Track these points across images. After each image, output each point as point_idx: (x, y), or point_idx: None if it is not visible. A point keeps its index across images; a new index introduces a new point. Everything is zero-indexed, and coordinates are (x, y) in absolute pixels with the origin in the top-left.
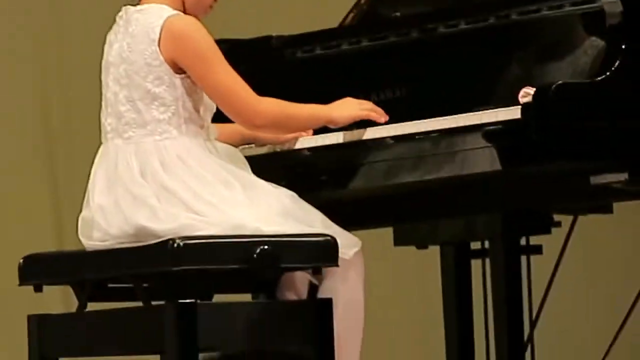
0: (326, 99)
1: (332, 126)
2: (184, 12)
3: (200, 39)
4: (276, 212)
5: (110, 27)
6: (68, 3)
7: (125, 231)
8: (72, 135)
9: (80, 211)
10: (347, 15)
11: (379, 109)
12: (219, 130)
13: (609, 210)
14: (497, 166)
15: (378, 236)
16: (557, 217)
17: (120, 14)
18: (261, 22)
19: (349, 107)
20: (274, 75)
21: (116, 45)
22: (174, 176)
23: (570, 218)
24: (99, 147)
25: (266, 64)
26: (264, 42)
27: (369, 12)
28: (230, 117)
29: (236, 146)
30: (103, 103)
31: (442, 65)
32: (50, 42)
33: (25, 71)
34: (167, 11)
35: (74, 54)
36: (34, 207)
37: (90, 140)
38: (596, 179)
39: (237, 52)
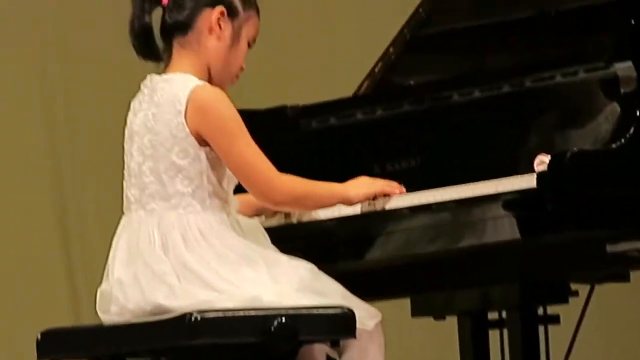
0: (342, 169)
1: (347, 205)
2: (210, 81)
3: (225, 111)
4: (296, 288)
5: (135, 95)
6: (76, 56)
7: (142, 307)
8: (86, 205)
9: (95, 281)
10: (361, 84)
11: (394, 183)
12: (243, 202)
13: (626, 278)
14: (514, 236)
15: (395, 307)
16: (574, 286)
17: (145, 82)
18: (275, 92)
19: (363, 185)
20: (290, 146)
21: (141, 114)
22: (195, 253)
23: (587, 287)
24: (119, 217)
25: (281, 134)
26: (278, 113)
27: (383, 81)
28: (250, 192)
29: (248, 216)
30: (126, 173)
31: (457, 133)
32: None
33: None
34: (193, 81)
35: (82, 113)
36: (49, 279)
37: (104, 210)
38: (613, 247)
39: (252, 122)
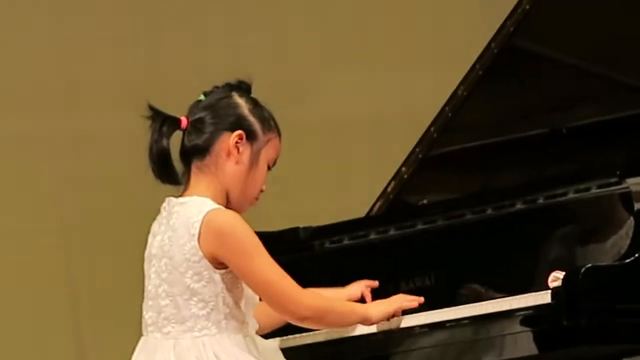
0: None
1: (367, 324)
2: (228, 204)
3: (241, 233)
4: None
5: (155, 218)
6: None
7: None
8: (103, 330)
9: None
10: (374, 204)
11: (411, 299)
12: (264, 311)
13: None
14: (532, 351)
15: None
16: None
17: (164, 204)
18: (286, 213)
19: (383, 304)
20: (303, 266)
21: (159, 237)
22: None
23: None
24: (135, 341)
25: (295, 255)
26: (291, 234)
27: (395, 200)
28: (274, 309)
29: (278, 326)
30: (145, 295)
31: (471, 251)
32: (73, 217)
33: (53, 264)
34: (208, 205)
35: (99, 232)
36: None
37: (119, 330)
38: None
39: (265, 244)
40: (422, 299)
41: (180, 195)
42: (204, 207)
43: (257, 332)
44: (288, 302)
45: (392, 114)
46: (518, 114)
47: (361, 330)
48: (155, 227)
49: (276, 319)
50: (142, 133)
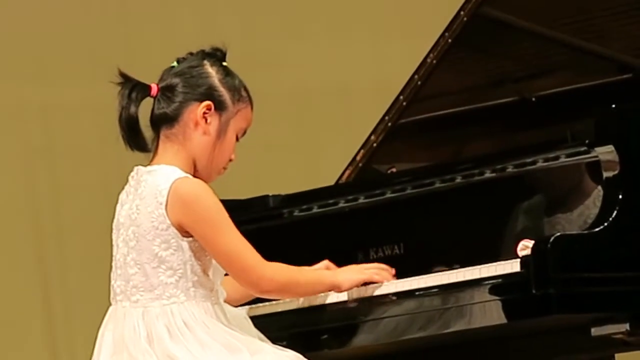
0: (326, 257)
1: (337, 291)
2: (195, 172)
3: (207, 202)
4: None
5: (123, 187)
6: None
7: None
8: (71, 296)
9: None
10: (343, 172)
11: (385, 270)
12: (229, 285)
13: None
14: (500, 320)
15: None
16: None
17: (132, 173)
18: (256, 182)
19: (353, 272)
20: (273, 234)
21: (126, 206)
22: (180, 344)
23: None
24: (104, 309)
25: (264, 223)
26: (260, 202)
27: (364, 169)
28: (237, 281)
29: (237, 299)
30: (113, 264)
31: (440, 220)
32: (44, 188)
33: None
34: (176, 173)
35: (69, 202)
36: None
37: (88, 300)
38: (597, 331)
39: (234, 212)
40: (393, 271)
41: (148, 164)
42: (172, 175)
43: (241, 303)
44: (251, 274)
45: (362, 82)
46: (487, 83)
47: (329, 299)
48: (123, 196)
49: (246, 293)
50: (111, 103)
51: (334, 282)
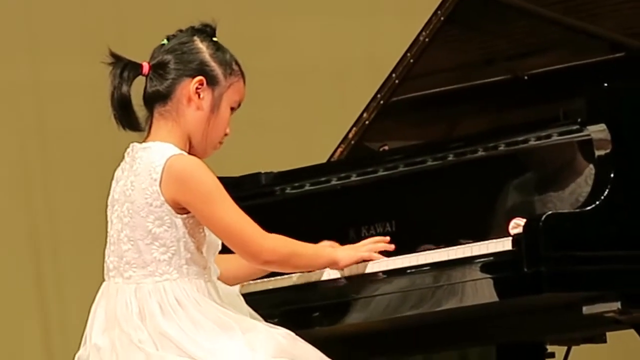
0: (318, 235)
1: (334, 268)
2: (191, 149)
3: (202, 177)
4: (272, 354)
5: (117, 164)
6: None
7: None
8: (64, 272)
9: (72, 347)
10: (335, 150)
11: (381, 242)
12: (236, 262)
13: (602, 340)
14: (492, 298)
15: None
16: (550, 348)
17: (127, 150)
18: (249, 159)
19: (352, 249)
20: (264, 212)
21: (121, 182)
22: (172, 321)
23: (564, 348)
24: (97, 284)
25: (256, 200)
26: (252, 179)
27: (357, 146)
28: (238, 253)
29: (255, 277)
30: (107, 240)
31: (432, 198)
32: (36, 167)
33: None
34: (171, 150)
35: (61, 180)
36: (25, 344)
37: (82, 276)
38: (589, 309)
39: (226, 189)
40: (391, 247)
41: (143, 141)
42: (166, 152)
43: (230, 284)
44: (251, 245)
45: (355, 60)
46: (480, 61)
47: (321, 276)
48: (118, 173)
49: (248, 271)
50: (105, 81)
51: (333, 257)
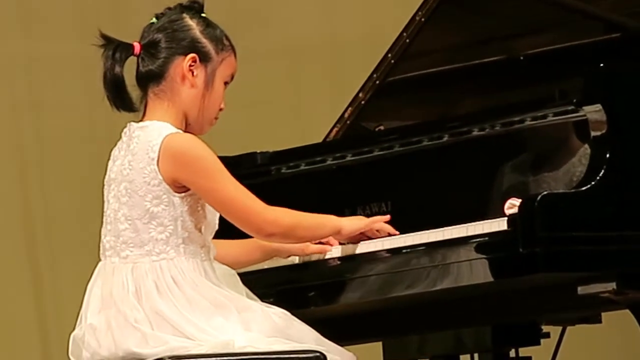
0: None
1: (338, 238)
2: (188, 127)
3: (201, 153)
4: (268, 334)
5: (115, 143)
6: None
7: (114, 353)
8: (59, 251)
9: (68, 326)
10: (331, 130)
11: (387, 227)
12: (238, 247)
13: (597, 320)
14: (487, 278)
15: (367, 351)
16: (545, 328)
17: (124, 129)
18: (244, 139)
19: (358, 220)
20: (261, 192)
21: (118, 161)
22: (168, 300)
23: (559, 329)
24: (93, 263)
25: (252, 180)
26: (248, 159)
27: (353, 126)
28: (240, 227)
29: (259, 262)
30: (103, 219)
31: (427, 177)
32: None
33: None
34: (167, 129)
35: (55, 161)
36: (20, 324)
37: (78, 255)
38: (584, 289)
39: None
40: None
41: (139, 121)
42: (163, 131)
43: (234, 268)
44: (253, 218)
45: (352, 40)
46: (475, 41)
47: (316, 256)
48: (115, 152)
49: (256, 254)
50: (98, 57)
51: (336, 225)
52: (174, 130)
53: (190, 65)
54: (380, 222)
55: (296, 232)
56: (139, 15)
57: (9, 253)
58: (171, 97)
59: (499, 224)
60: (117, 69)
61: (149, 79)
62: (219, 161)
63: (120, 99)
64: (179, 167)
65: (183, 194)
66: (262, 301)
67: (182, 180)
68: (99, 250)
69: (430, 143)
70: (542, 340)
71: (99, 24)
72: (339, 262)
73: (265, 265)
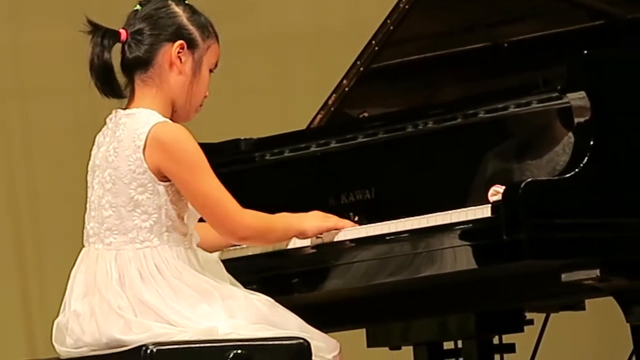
0: (297, 201)
1: (302, 238)
2: (174, 114)
3: (188, 147)
4: (252, 320)
5: (99, 129)
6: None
7: (98, 340)
8: (43, 237)
9: (51, 313)
10: (315, 117)
11: (346, 222)
12: (213, 231)
13: (581, 307)
14: (470, 265)
15: (351, 338)
16: (529, 315)
17: (110, 116)
18: (228, 125)
19: (318, 219)
20: (244, 178)
21: (103, 148)
22: (151, 288)
23: (542, 316)
24: (76, 250)
25: (235, 167)
26: (232, 145)
27: (336, 113)
28: (213, 227)
29: (225, 247)
30: (87, 206)
31: (411, 165)
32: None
33: None
34: (155, 117)
35: (39, 147)
36: (4, 310)
37: (61, 241)
38: (568, 276)
39: (206, 155)
40: (357, 226)
41: (126, 107)
42: (150, 119)
43: (209, 251)
44: (228, 220)
45: (335, 26)
46: (460, 28)
47: (299, 243)
48: (100, 138)
49: (226, 240)
50: (85, 43)
51: (300, 229)
52: (161, 119)
53: (178, 52)
54: (342, 222)
55: (267, 236)
56: (127, 2)
57: None
58: (159, 83)
59: (483, 211)
60: (106, 55)
61: (135, 66)
62: (203, 157)
63: (109, 85)
64: (165, 157)
65: (167, 183)
66: (246, 288)
67: (165, 170)
68: (82, 236)
69: (414, 130)
70: (525, 327)
71: (86, 11)
72: (322, 249)
73: (249, 252)
